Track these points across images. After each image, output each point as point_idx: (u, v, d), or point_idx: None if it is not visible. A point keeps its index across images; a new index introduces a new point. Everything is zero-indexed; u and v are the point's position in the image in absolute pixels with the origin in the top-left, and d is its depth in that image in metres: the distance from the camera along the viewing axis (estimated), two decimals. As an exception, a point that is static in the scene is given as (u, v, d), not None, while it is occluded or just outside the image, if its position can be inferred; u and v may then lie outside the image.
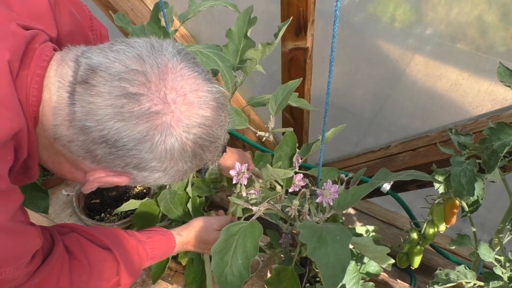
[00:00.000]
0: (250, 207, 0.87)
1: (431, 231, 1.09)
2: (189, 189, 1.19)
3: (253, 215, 0.85)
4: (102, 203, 1.63)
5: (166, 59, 0.66)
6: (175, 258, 1.35)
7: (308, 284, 1.12)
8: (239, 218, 1.02)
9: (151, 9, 1.13)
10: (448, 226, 1.08)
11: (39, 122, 0.66)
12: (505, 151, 0.79)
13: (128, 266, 0.85)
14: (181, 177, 0.74)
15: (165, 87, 0.64)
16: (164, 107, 0.64)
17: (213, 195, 1.34)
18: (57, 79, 0.65)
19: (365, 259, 1.11)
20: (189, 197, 1.20)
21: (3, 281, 0.64)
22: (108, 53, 0.65)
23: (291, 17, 1.09)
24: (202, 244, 1.04)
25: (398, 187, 1.42)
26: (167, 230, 1.00)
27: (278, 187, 0.95)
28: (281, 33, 1.01)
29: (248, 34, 1.06)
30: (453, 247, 1.14)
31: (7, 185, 0.62)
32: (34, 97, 0.64)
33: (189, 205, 1.20)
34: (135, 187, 1.65)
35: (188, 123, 0.66)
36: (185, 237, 1.02)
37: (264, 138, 1.05)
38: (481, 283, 0.93)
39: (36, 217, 1.67)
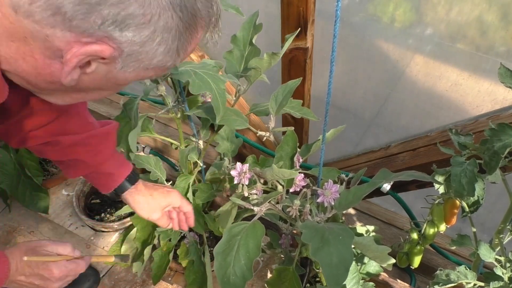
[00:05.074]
0: (252, 207, 0.87)
1: (431, 231, 1.09)
2: (189, 195, 1.19)
3: (252, 215, 0.85)
4: (102, 203, 1.64)
5: None
6: (175, 258, 1.35)
7: (308, 284, 1.12)
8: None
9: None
10: (448, 226, 1.08)
11: None
12: (506, 152, 0.79)
13: None
14: (173, 41, 0.60)
15: None
16: None
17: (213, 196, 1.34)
18: None
19: (365, 259, 1.11)
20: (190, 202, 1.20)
21: None
22: None
23: (299, 29, 1.08)
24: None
25: (398, 187, 1.42)
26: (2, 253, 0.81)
27: (279, 187, 0.95)
28: (287, 44, 1.00)
29: (253, 41, 1.06)
30: (453, 247, 1.15)
31: None
32: None
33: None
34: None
35: None
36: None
37: (265, 138, 1.05)
38: (482, 284, 0.93)
39: (36, 217, 1.67)
